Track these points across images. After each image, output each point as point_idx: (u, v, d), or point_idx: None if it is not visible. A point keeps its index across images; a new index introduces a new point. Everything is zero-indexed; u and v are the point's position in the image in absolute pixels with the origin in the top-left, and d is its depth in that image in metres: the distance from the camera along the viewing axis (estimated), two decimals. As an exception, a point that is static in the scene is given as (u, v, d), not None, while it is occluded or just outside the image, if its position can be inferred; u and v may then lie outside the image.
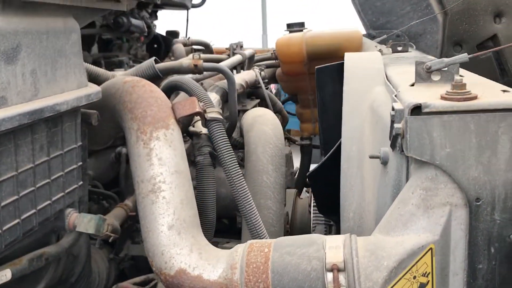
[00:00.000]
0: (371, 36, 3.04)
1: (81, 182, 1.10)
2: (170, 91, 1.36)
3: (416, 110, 0.94)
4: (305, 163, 2.85)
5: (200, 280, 1.00)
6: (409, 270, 0.93)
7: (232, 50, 1.90)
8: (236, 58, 1.88)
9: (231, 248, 1.56)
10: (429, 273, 0.94)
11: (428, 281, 0.95)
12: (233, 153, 1.20)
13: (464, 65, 1.17)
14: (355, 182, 1.34)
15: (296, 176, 2.77)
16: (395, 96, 1.12)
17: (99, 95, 1.05)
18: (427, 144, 0.93)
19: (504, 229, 0.91)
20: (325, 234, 1.89)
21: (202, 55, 1.79)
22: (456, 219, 0.94)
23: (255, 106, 1.99)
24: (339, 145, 1.44)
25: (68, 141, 1.01)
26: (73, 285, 1.28)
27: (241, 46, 2.15)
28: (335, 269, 0.91)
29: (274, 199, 1.37)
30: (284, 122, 2.31)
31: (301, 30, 2.84)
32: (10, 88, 0.80)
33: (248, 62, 2.14)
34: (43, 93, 0.88)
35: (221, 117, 1.20)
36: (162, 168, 1.09)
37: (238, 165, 1.20)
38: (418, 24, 2.90)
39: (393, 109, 1.01)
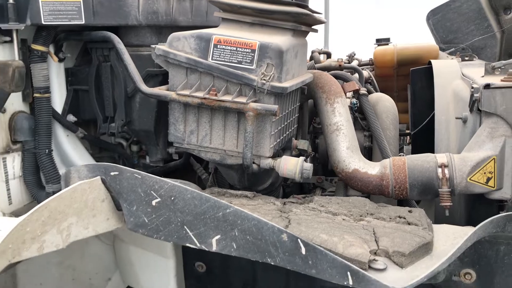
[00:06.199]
0: (441, 49, 3.87)
1: (296, 125, 2.03)
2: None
3: (487, 86, 1.80)
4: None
5: (366, 174, 1.89)
6: (482, 168, 1.78)
7: (351, 57, 2.83)
8: (355, 62, 2.80)
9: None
10: (492, 171, 1.79)
11: (492, 176, 1.78)
12: (375, 114, 2.11)
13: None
14: (444, 137, 2.21)
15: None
16: (473, 82, 1.98)
17: (312, 79, 1.99)
18: (493, 103, 1.78)
19: (535, 149, 1.76)
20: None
21: (323, 64, 2.74)
22: (508, 144, 1.78)
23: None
24: (433, 116, 2.31)
25: (295, 100, 1.95)
26: (276, 188, 2.19)
27: (354, 55, 3.07)
28: (443, 166, 1.78)
29: (393, 145, 2.25)
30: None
31: (387, 44, 3.73)
32: (293, 69, 1.74)
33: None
34: (298, 74, 1.82)
35: (367, 93, 2.11)
36: (341, 118, 2.00)
37: (378, 121, 2.10)
38: (480, 40, 3.70)
39: (472, 87, 1.88)
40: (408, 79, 3.08)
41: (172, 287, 2.05)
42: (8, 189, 1.70)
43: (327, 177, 2.45)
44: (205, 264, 2.01)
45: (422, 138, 2.39)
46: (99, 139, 2.02)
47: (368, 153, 2.30)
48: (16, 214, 1.72)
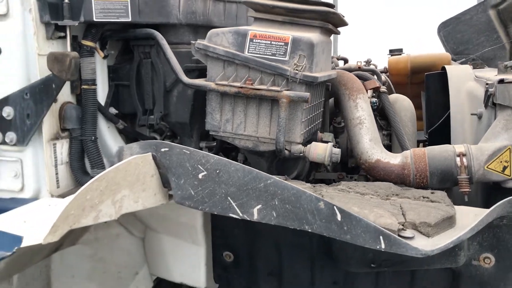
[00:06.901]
0: (452, 60, 4.01)
1: (321, 119, 2.17)
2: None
3: (501, 81, 1.93)
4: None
5: (388, 164, 2.01)
6: (498, 157, 1.89)
7: (368, 63, 2.98)
8: (373, 66, 2.96)
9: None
10: (508, 161, 1.90)
11: (508, 165, 1.90)
12: (395, 110, 2.24)
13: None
14: (459, 132, 2.34)
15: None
16: (487, 79, 2.12)
17: (336, 75, 2.13)
18: (507, 96, 1.90)
19: (547, 140, 1.87)
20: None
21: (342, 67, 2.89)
22: (523, 135, 1.90)
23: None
24: (448, 114, 2.44)
25: (321, 94, 2.09)
26: (302, 177, 2.31)
27: (371, 61, 3.22)
28: (461, 154, 1.90)
29: (411, 141, 2.38)
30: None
31: (400, 54, 3.88)
32: (321, 63, 1.88)
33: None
34: (325, 69, 1.97)
35: (387, 91, 2.25)
36: (363, 112, 2.13)
37: (397, 117, 2.23)
38: (490, 50, 3.84)
39: (487, 83, 2.01)
40: (422, 87, 3.22)
41: (202, 275, 2.15)
42: (56, 173, 1.83)
43: (347, 175, 2.56)
44: (233, 254, 2.11)
45: (437, 140, 2.51)
46: (136, 131, 2.16)
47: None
48: (63, 197, 1.85)
